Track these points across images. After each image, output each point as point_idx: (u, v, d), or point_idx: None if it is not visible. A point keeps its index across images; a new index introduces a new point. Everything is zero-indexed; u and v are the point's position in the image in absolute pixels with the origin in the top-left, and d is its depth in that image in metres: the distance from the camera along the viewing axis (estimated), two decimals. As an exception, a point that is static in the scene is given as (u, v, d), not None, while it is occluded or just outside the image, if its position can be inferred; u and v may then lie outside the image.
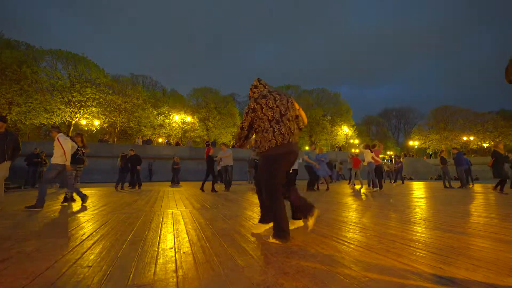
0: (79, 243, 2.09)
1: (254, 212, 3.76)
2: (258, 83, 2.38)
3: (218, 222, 2.98)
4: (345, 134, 37.67)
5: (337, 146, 33.79)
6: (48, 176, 4.54)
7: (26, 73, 22.39)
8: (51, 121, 23.73)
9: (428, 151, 42.91)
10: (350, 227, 2.63)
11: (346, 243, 2.00)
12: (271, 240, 2.03)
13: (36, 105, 22.85)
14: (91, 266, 1.57)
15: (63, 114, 24.31)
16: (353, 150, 38.40)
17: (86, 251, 1.87)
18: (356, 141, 39.98)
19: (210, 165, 8.09)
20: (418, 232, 2.38)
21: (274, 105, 2.17)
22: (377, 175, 8.46)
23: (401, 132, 59.50)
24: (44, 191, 4.31)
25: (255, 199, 5.58)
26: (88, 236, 2.32)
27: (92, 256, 1.76)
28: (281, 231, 2.01)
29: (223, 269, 1.49)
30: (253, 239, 2.17)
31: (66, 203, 4.95)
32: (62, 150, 4.58)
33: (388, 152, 41.49)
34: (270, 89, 2.31)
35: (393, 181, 14.15)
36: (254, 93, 2.37)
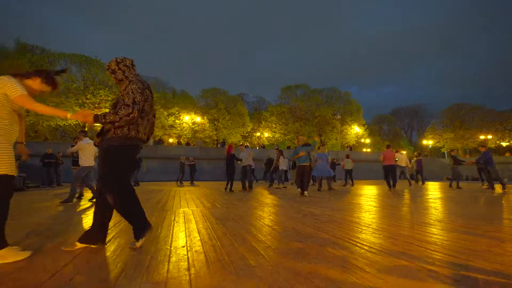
0: (95, 241, 2.14)
1: (265, 212, 3.75)
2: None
3: (229, 221, 2.99)
4: (355, 134, 37.06)
5: (347, 146, 33.30)
6: (79, 176, 5.15)
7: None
8: (66, 123, 24.55)
9: (442, 150, 41.61)
10: (363, 228, 2.59)
11: (359, 245, 1.97)
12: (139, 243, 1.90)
13: (52, 107, 23.71)
14: (107, 263, 1.61)
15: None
16: (364, 150, 37.55)
17: (102, 249, 1.92)
18: (367, 141, 39.24)
19: (231, 164, 8.10)
20: (434, 234, 2.31)
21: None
22: (391, 175, 8.31)
23: (414, 131, 58.01)
24: (74, 189, 5.01)
25: (265, 199, 5.58)
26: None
27: (107, 254, 1.80)
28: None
29: (235, 268, 1.49)
30: (263, 239, 2.17)
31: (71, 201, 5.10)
32: (92, 153, 5.18)
33: (401, 152, 40.56)
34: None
35: (416, 182, 13.08)
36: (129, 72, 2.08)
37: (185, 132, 31.53)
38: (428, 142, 43.04)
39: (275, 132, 35.02)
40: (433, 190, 8.42)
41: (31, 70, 1.95)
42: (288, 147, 26.47)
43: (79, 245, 1.91)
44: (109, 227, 2.64)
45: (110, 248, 1.93)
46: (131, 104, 1.87)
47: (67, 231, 2.57)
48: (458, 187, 9.30)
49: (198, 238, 2.23)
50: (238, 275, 1.39)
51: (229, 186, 7.79)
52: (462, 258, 1.63)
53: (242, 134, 35.00)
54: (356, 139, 37.36)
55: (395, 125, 52.75)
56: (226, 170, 7.95)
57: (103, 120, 1.83)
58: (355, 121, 37.46)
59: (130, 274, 1.42)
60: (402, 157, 9.51)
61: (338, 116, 33.48)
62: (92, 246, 1.94)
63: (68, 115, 1.83)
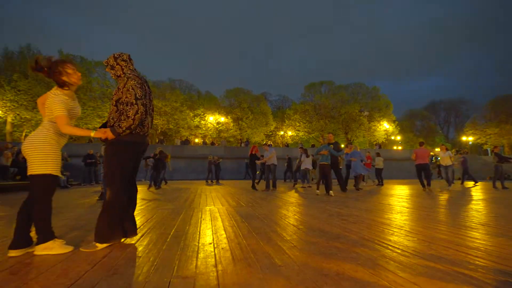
0: (130, 235, 2.29)
1: (289, 211, 3.72)
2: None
3: (254, 220, 3.02)
4: (385, 130, 35.17)
5: (376, 144, 31.76)
6: None
7: (82, 84, 25.32)
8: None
9: (485, 147, 37.86)
10: (394, 230, 2.45)
11: (390, 247, 1.87)
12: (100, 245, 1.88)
13: (90, 112, 25.74)
14: (140, 256, 1.72)
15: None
16: (394, 148, 35.56)
17: (136, 243, 2.05)
18: (398, 138, 37.07)
19: (253, 163, 8.56)
20: (476, 238, 2.12)
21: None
22: (425, 174, 7.78)
23: (452, 126, 53.57)
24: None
25: (290, 198, 5.54)
26: (137, 229, 2.53)
27: (141, 248, 1.91)
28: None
29: (261, 266, 1.50)
30: (289, 238, 2.15)
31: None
32: None
33: (437, 149, 37.68)
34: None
35: (461, 183, 11.59)
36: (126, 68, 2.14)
37: (210, 132, 32.34)
38: (468, 138, 39.45)
39: (298, 131, 34.51)
40: (475, 191, 7.72)
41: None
42: (313, 146, 25.96)
43: (99, 246, 1.90)
44: (142, 224, 2.80)
45: (143, 243, 2.05)
46: (134, 101, 1.92)
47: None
48: (503, 187, 8.42)
49: (224, 235, 2.28)
50: (265, 273, 1.40)
51: (254, 184, 7.98)
52: (511, 266, 1.47)
53: (266, 133, 34.99)
54: (386, 136, 35.45)
55: (429, 120, 49.11)
56: (249, 169, 8.22)
57: (121, 130, 1.91)
58: (384, 117, 35.53)
59: (162, 268, 1.49)
60: (446, 155, 8.75)
61: (366, 113, 31.92)
62: (120, 241, 2.07)
63: (92, 134, 1.96)
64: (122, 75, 2.08)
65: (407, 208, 3.99)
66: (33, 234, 1.85)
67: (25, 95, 24.12)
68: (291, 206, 4.23)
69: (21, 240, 1.80)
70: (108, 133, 1.93)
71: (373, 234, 2.27)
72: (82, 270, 1.46)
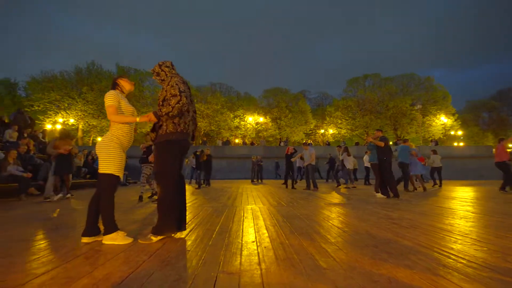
0: (179, 230, 2.46)
1: (332, 212, 3.58)
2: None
3: (295, 220, 2.98)
4: (442, 125, 31.25)
5: (432, 140, 28.42)
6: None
7: (134, 93, 28.26)
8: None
9: None
10: (457, 237, 2.17)
11: (453, 256, 1.66)
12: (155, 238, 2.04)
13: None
14: (189, 250, 1.84)
15: (162, 122, 29.52)
16: (455, 144, 31.45)
17: (185, 237, 2.20)
18: (459, 133, 32.59)
19: (290, 163, 8.70)
20: None
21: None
22: (504, 174, 6.73)
23: (530, 117, 44.91)
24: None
25: (332, 199, 5.32)
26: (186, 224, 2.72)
27: (189, 242, 2.05)
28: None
29: (304, 268, 1.47)
30: (333, 240, 2.07)
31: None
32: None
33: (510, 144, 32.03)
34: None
35: None
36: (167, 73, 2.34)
37: (249, 132, 32.95)
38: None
39: (340, 128, 32.91)
40: None
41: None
42: (357, 144, 24.47)
43: (157, 238, 2.08)
44: (189, 220, 2.99)
45: (191, 238, 2.19)
46: (178, 93, 2.06)
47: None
48: None
49: (267, 234, 2.30)
50: (309, 275, 1.37)
51: (289, 183, 7.93)
52: None
53: (305, 131, 34.22)
54: (444, 132, 31.49)
55: (500, 111, 42.02)
56: (278, 169, 8.30)
57: (160, 113, 2.09)
58: (442, 110, 31.59)
59: (209, 263, 1.58)
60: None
61: (418, 106, 28.57)
62: (172, 235, 2.23)
63: (138, 119, 2.18)
64: (166, 78, 2.28)
65: (473, 213, 3.49)
66: (101, 225, 2.12)
67: (92, 105, 27.91)
68: (334, 207, 4.06)
69: (91, 229, 2.08)
70: (151, 116, 2.13)
71: (431, 241, 2.04)
72: (140, 260, 1.62)
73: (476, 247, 1.88)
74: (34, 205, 4.53)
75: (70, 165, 5.73)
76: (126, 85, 2.33)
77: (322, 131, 34.91)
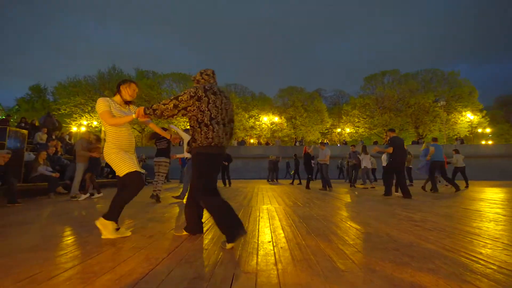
0: (196, 229, 2.51)
1: (350, 213, 3.49)
2: (212, 74, 2.32)
3: (312, 220, 2.94)
4: (468, 122, 29.49)
5: (457, 138, 26.94)
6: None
7: (152, 95, 29.19)
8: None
9: None
10: (487, 241, 2.04)
11: (482, 262, 1.56)
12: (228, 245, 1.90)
13: (162, 119, 29.44)
14: (206, 249, 1.87)
15: (179, 123, 30.26)
16: (483, 142, 29.68)
17: (202, 235, 2.24)
18: (488, 130, 30.63)
19: (308, 163, 8.65)
20: None
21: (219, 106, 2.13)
22: None
23: None
24: (186, 187, 5.31)
25: (349, 199, 5.19)
26: (202, 224, 2.76)
27: (206, 241, 2.08)
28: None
29: (322, 269, 1.45)
30: (352, 242, 2.02)
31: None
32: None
33: (546, 143, 29.56)
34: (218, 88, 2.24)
35: None
36: (200, 81, 2.28)
37: (264, 132, 32.94)
38: None
39: (358, 127, 32.05)
40: None
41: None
42: (375, 143, 23.71)
43: (184, 233, 2.28)
44: (206, 219, 3.04)
45: (208, 236, 2.22)
46: (173, 98, 2.06)
47: (177, 219, 3.13)
48: None
49: (283, 235, 2.29)
50: (326, 277, 1.35)
51: (304, 182, 7.91)
52: None
53: (321, 131, 33.67)
54: (470, 129, 29.73)
55: (534, 107, 38.94)
56: (289, 169, 8.21)
57: (148, 111, 2.11)
58: (468, 106, 29.83)
59: (226, 262, 1.59)
60: None
61: (442, 102, 27.08)
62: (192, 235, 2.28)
63: (134, 116, 2.22)
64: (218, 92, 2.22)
65: (504, 215, 3.27)
66: (126, 225, 2.21)
67: (113, 108, 29.16)
68: (351, 208, 3.96)
69: (193, 227, 2.26)
70: (140, 110, 2.17)
71: (457, 245, 1.93)
72: (160, 257, 1.67)
73: (508, 252, 1.76)
74: (62, 203, 4.81)
75: (99, 166, 6.15)
76: (124, 92, 2.38)
77: (338, 130, 34.18)
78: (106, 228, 2.15)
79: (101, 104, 2.23)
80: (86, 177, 5.85)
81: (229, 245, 1.89)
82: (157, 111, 2.09)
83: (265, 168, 14.53)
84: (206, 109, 2.05)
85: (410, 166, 10.89)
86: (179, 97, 2.05)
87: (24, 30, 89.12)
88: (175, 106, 2.05)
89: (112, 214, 2.17)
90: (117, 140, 2.26)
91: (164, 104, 2.07)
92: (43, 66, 78.79)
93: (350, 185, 9.47)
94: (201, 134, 2.05)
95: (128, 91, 2.39)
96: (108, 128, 2.26)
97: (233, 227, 1.92)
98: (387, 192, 5.83)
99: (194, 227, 2.28)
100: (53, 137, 8.94)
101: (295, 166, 12.09)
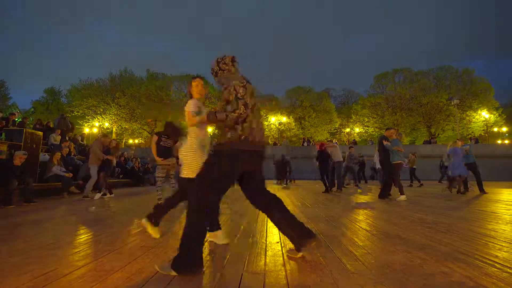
0: (205, 229, 2.54)
1: (360, 214, 3.44)
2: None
3: (321, 222, 2.91)
4: (484, 121, 28.48)
5: (471, 138, 26.05)
6: None
7: (162, 96, 29.64)
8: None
9: None
10: (503, 244, 1.97)
11: (498, 265, 1.51)
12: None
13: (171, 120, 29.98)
14: (214, 249, 1.88)
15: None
16: (499, 142, 28.60)
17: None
18: (504, 129, 29.51)
19: (325, 161, 7.43)
20: None
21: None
22: None
23: None
24: None
25: (359, 200, 5.11)
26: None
27: (214, 242, 2.10)
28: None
29: (331, 271, 1.43)
30: (361, 244, 1.99)
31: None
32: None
33: None
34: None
35: None
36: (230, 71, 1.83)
37: (272, 133, 32.87)
38: None
39: (367, 127, 31.49)
40: None
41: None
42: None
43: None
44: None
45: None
46: (234, 100, 1.63)
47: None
48: None
49: (291, 235, 2.27)
50: (335, 279, 1.33)
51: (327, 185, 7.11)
52: None
53: (330, 131, 33.30)
54: (485, 128, 28.73)
55: (554, 104, 37.27)
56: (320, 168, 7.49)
57: (212, 118, 1.67)
58: (483, 104, 28.80)
59: (234, 262, 1.60)
60: None
61: (455, 101, 26.25)
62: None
63: (205, 117, 2.04)
64: (224, 81, 1.80)
65: (523, 218, 3.14)
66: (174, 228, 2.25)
67: (124, 109, 29.79)
68: (362, 209, 3.90)
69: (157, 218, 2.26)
70: (202, 117, 1.97)
71: (472, 248, 1.87)
72: (170, 256, 1.69)
73: (526, 256, 1.69)
74: (75, 203, 4.94)
75: (111, 167, 6.34)
76: (193, 88, 2.24)
77: (347, 130, 33.74)
78: (148, 228, 2.21)
79: (189, 105, 2.10)
80: (100, 177, 6.03)
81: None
82: (225, 121, 1.64)
83: (272, 168, 14.40)
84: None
85: (414, 167, 10.64)
86: (239, 94, 1.65)
87: (39, 32, 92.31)
88: (246, 106, 1.64)
89: (156, 216, 2.23)
90: (201, 139, 2.13)
91: (233, 112, 1.61)
92: (58, 69, 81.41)
93: (355, 184, 9.33)
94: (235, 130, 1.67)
95: (195, 87, 2.24)
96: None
97: (192, 249, 1.47)
98: (401, 192, 5.62)
99: (212, 224, 2.03)
100: (67, 138, 9.21)
101: (283, 166, 11.95)
